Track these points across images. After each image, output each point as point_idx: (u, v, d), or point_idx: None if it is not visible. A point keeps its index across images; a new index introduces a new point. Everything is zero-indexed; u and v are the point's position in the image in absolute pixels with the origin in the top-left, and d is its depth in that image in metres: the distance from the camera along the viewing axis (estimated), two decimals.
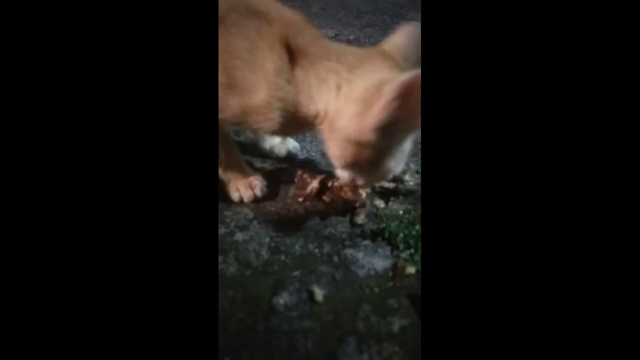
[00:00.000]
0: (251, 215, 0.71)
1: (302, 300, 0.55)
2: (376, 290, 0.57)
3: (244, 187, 0.72)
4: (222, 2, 0.51)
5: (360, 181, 0.64)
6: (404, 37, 0.58)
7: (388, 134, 0.49)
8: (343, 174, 0.63)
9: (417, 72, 0.43)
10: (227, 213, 0.71)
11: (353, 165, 0.57)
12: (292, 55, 0.53)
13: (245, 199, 0.72)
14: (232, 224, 0.69)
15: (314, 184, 0.71)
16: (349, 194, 0.70)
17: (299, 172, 0.74)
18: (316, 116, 0.54)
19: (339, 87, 0.52)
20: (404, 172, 0.83)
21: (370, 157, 0.54)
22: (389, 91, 0.46)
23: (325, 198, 0.71)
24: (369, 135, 0.50)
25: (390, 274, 0.60)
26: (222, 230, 0.67)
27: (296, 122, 0.56)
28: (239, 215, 0.71)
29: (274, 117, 0.54)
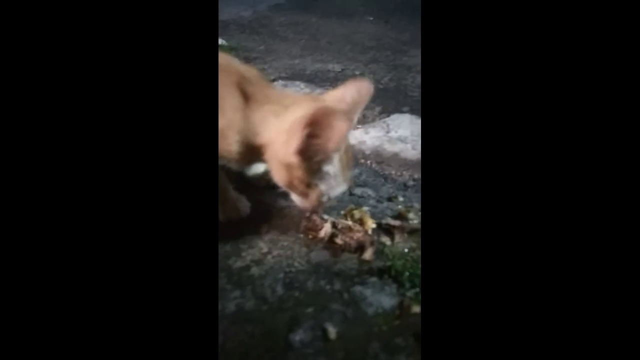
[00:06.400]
0: (265, 249, 0.75)
1: (316, 338, 0.58)
2: (384, 328, 0.61)
3: (230, 208, 0.79)
4: None
5: (304, 203, 0.73)
6: (348, 89, 0.72)
7: (306, 155, 0.64)
8: (294, 197, 0.74)
9: (319, 107, 0.62)
10: (243, 246, 0.76)
11: (290, 185, 0.71)
12: (246, 99, 0.69)
13: (232, 218, 0.79)
14: (248, 257, 0.73)
15: (327, 228, 0.76)
16: (358, 235, 0.75)
17: (307, 214, 0.79)
18: (262, 146, 0.70)
19: (275, 125, 0.68)
20: (408, 211, 0.88)
21: (300, 177, 0.68)
22: (300, 122, 0.62)
23: (339, 241, 0.75)
24: (292, 158, 0.65)
25: (397, 312, 0.65)
26: (238, 263, 0.71)
27: (250, 151, 0.71)
28: (254, 249, 0.75)
29: (231, 144, 0.69)
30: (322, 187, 0.71)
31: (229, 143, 0.68)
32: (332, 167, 0.69)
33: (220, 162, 0.73)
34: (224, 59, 0.73)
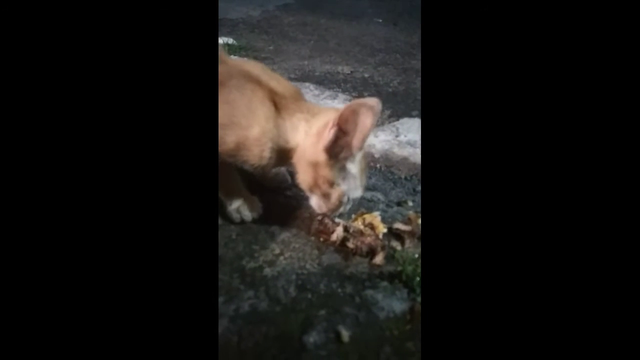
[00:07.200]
0: (278, 251, 0.76)
1: (329, 340, 0.59)
2: (395, 332, 0.62)
3: (244, 209, 0.81)
4: (224, 71, 0.73)
5: (324, 206, 0.76)
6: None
7: (333, 152, 0.69)
8: (313, 201, 0.78)
9: (347, 105, 0.66)
10: (255, 247, 0.76)
11: (315, 185, 0.74)
12: (277, 108, 0.74)
13: (245, 219, 0.81)
14: (261, 258, 0.74)
15: (339, 231, 0.76)
16: (369, 239, 0.76)
17: (319, 217, 0.80)
18: (291, 151, 0.74)
19: (305, 129, 0.74)
20: (418, 216, 0.89)
21: (325, 176, 0.72)
22: (331, 122, 0.68)
23: (350, 245, 0.76)
24: (320, 156, 0.70)
25: (408, 317, 0.65)
26: (251, 264, 0.72)
27: (278, 156, 0.75)
28: (267, 250, 0.76)
29: (265, 151, 0.73)
30: (344, 187, 0.74)
31: (262, 150, 0.73)
32: (354, 167, 0.73)
33: (248, 166, 0.75)
34: (257, 70, 0.78)
